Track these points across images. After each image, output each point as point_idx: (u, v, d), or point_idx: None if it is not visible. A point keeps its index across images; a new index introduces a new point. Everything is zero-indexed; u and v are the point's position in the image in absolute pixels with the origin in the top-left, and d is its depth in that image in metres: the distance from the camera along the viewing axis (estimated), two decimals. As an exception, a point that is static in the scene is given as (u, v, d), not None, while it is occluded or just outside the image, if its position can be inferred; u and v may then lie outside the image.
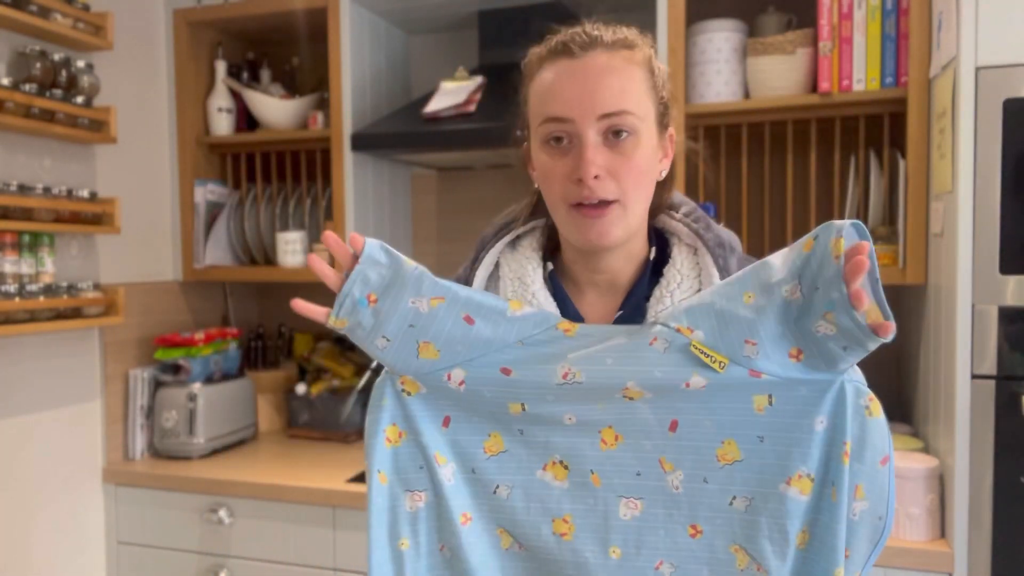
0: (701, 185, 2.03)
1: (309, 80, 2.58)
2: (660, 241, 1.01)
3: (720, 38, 1.94)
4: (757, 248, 2.15)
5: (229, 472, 2.11)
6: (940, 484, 1.63)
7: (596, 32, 0.93)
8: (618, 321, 0.97)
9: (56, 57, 1.96)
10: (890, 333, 0.78)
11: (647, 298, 0.96)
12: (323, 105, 2.37)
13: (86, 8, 2.02)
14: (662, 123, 0.95)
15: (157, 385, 2.30)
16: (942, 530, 1.62)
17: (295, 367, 2.62)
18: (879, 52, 1.82)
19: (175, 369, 2.28)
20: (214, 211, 2.46)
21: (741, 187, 2.06)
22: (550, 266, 1.01)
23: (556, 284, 1.00)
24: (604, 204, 0.90)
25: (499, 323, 0.91)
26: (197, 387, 2.25)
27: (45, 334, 2.03)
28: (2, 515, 1.94)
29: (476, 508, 0.95)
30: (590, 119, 0.89)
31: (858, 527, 0.85)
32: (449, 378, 0.93)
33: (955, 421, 1.54)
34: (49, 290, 1.91)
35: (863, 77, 1.83)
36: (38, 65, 1.91)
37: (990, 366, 1.51)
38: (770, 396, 0.86)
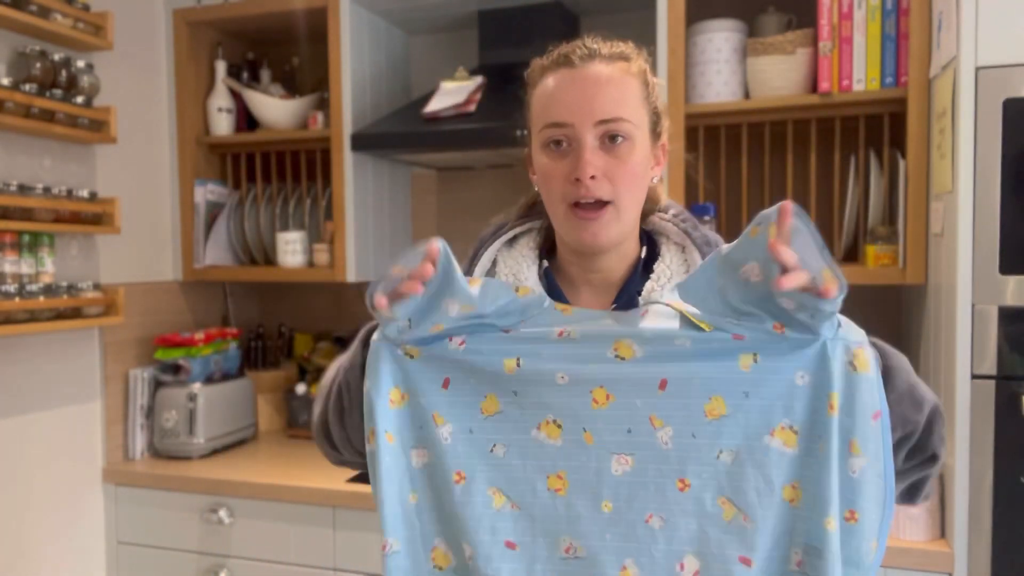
0: (701, 185, 2.03)
1: (309, 80, 2.58)
2: (649, 241, 1.07)
3: (720, 38, 1.94)
4: (757, 248, 2.14)
5: (229, 472, 2.11)
6: (940, 484, 1.63)
7: (595, 45, 1.00)
8: None
9: (56, 57, 1.96)
10: (834, 294, 0.81)
11: (639, 293, 1.02)
12: (323, 105, 2.37)
13: (86, 8, 2.02)
14: (655, 132, 1.02)
15: (157, 385, 2.30)
16: (942, 530, 1.62)
17: (295, 367, 2.62)
18: (879, 52, 1.82)
19: (175, 369, 2.28)
20: (214, 211, 2.46)
21: (741, 187, 2.06)
22: (545, 264, 1.07)
23: (551, 281, 1.05)
24: (599, 205, 0.96)
25: (507, 315, 0.97)
26: (197, 387, 2.25)
27: (45, 334, 2.03)
28: (2, 515, 1.94)
29: (473, 467, 0.98)
30: (588, 124, 0.95)
31: (861, 485, 0.88)
32: (451, 340, 0.97)
33: (955, 421, 1.54)
34: (49, 290, 1.91)
35: (863, 77, 1.83)
36: (38, 65, 1.91)
37: (990, 366, 1.51)
38: (755, 354, 0.90)
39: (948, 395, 1.59)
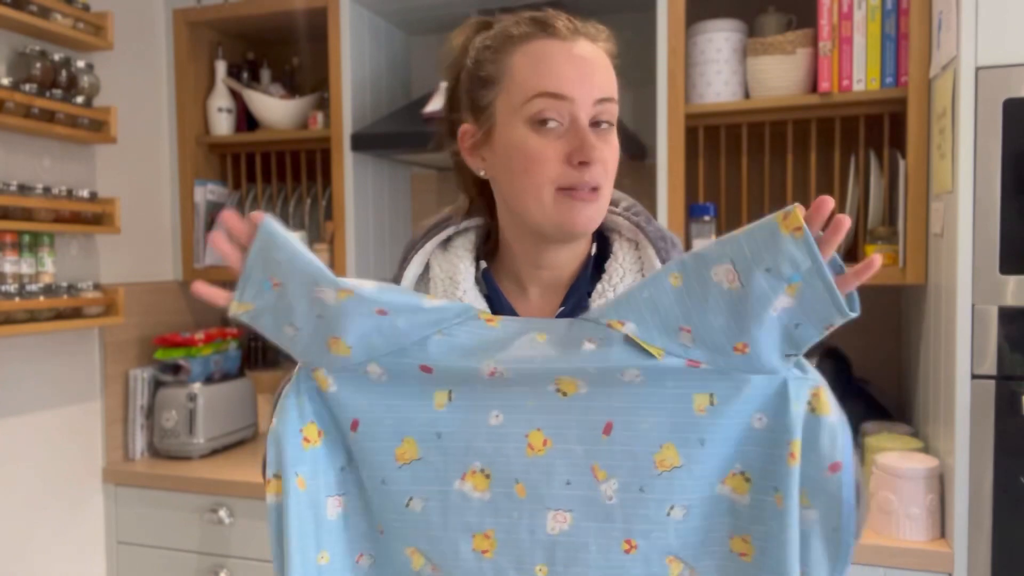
0: (701, 185, 2.03)
1: (309, 80, 2.58)
2: (600, 238, 0.99)
3: (720, 38, 1.94)
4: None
5: (229, 472, 2.11)
6: (940, 484, 1.63)
7: (576, 22, 0.91)
8: (560, 317, 0.93)
9: (56, 57, 1.96)
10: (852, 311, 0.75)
11: (589, 293, 0.95)
12: (323, 105, 2.37)
13: (86, 8, 2.02)
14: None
15: (157, 385, 2.30)
16: (942, 530, 1.62)
17: (295, 367, 2.62)
18: (879, 52, 1.82)
19: (175, 369, 2.28)
20: (214, 211, 2.46)
21: (741, 187, 2.06)
22: (483, 264, 0.98)
23: (491, 283, 0.97)
24: (595, 190, 0.88)
25: (415, 313, 0.83)
26: (197, 387, 2.25)
27: (45, 334, 2.03)
28: (2, 515, 1.94)
29: (388, 523, 0.86)
30: (587, 101, 0.87)
31: (810, 538, 0.78)
32: (368, 371, 0.85)
33: (955, 421, 1.54)
34: (49, 290, 1.91)
35: (863, 77, 1.83)
36: (38, 65, 1.91)
37: (990, 366, 1.51)
38: (711, 395, 0.80)
39: (948, 395, 1.59)
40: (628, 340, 0.79)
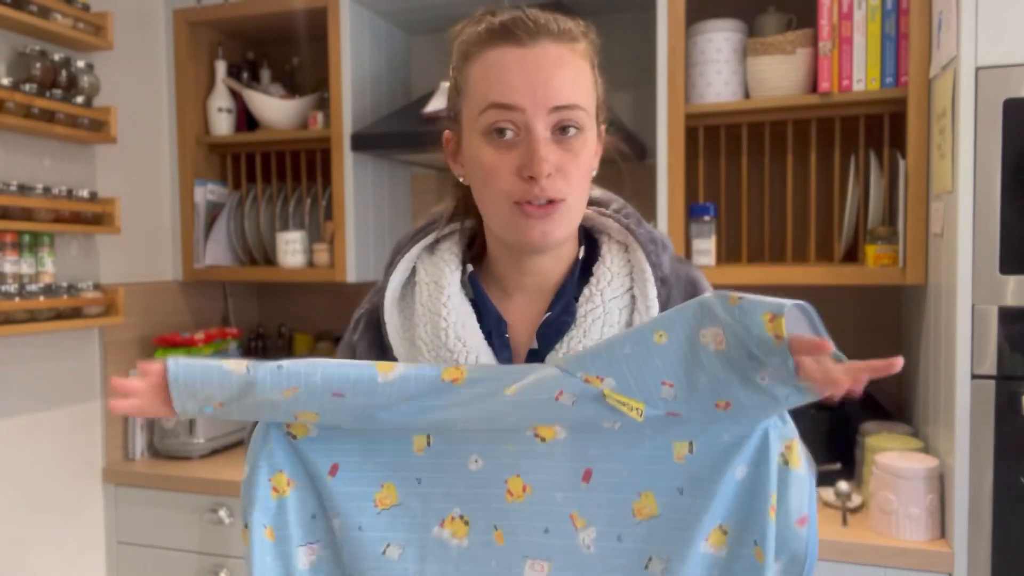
0: (701, 185, 2.03)
1: (309, 80, 2.58)
2: (588, 240, 0.97)
3: (720, 38, 1.94)
4: (757, 248, 2.15)
5: (229, 472, 2.11)
6: (940, 484, 1.63)
7: (542, 20, 0.86)
8: (546, 323, 0.92)
9: (56, 57, 1.96)
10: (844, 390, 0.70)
11: (576, 298, 0.93)
12: (323, 105, 2.37)
13: (86, 8, 2.02)
14: (598, 119, 0.92)
15: (157, 385, 2.30)
16: (942, 530, 1.62)
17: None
18: (879, 52, 1.82)
19: (175, 369, 2.28)
20: (214, 211, 2.46)
21: (741, 187, 2.06)
22: (469, 268, 0.97)
23: (477, 287, 0.96)
24: (550, 203, 0.85)
25: (373, 391, 0.80)
26: (197, 387, 2.25)
27: (45, 334, 2.03)
28: (2, 515, 1.94)
29: (360, 573, 0.84)
30: (542, 111, 0.84)
31: None
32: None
33: (955, 421, 1.54)
34: (49, 290, 1.91)
35: (863, 77, 1.83)
36: (38, 65, 1.91)
37: (990, 366, 1.51)
38: (691, 443, 0.78)
39: (948, 395, 1.59)
40: (604, 397, 0.77)
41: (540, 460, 0.81)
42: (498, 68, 0.85)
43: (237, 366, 0.81)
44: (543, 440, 0.81)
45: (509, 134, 0.85)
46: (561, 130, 0.85)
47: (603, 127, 0.94)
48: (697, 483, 0.79)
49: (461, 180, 0.95)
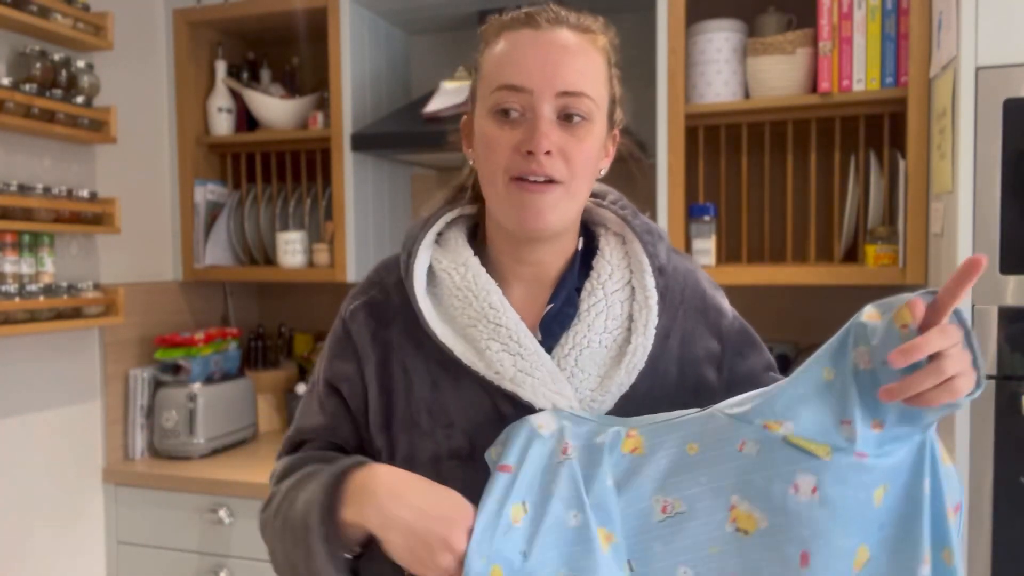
0: (701, 185, 2.03)
1: (309, 80, 2.58)
2: (586, 232, 0.98)
3: (720, 38, 1.94)
4: (757, 248, 2.15)
5: (229, 472, 2.11)
6: (940, 484, 1.63)
7: (564, 12, 0.89)
8: (548, 315, 0.93)
9: (56, 57, 1.96)
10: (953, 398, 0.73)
11: (577, 290, 0.94)
12: (323, 105, 2.37)
13: (86, 8, 2.02)
14: (611, 119, 0.93)
15: (157, 385, 2.30)
16: (942, 530, 1.62)
17: (295, 367, 2.62)
18: (879, 52, 1.82)
19: (175, 369, 2.28)
20: (214, 211, 2.46)
21: (741, 187, 2.06)
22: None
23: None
24: (548, 183, 0.85)
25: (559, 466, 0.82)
26: (197, 387, 2.25)
27: (45, 334, 2.03)
28: (2, 515, 1.94)
29: None
30: (548, 94, 0.85)
31: None
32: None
33: (955, 421, 1.54)
34: (49, 290, 1.91)
35: (863, 77, 1.83)
36: (38, 65, 1.91)
37: (990, 366, 1.51)
38: (885, 486, 0.77)
39: (948, 395, 1.58)
40: (788, 442, 0.77)
41: (750, 555, 0.79)
42: (512, 49, 0.87)
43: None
44: (746, 533, 0.79)
45: (515, 114, 0.86)
46: (566, 117, 0.86)
47: (617, 130, 0.95)
48: (893, 514, 0.78)
49: (471, 162, 0.95)
